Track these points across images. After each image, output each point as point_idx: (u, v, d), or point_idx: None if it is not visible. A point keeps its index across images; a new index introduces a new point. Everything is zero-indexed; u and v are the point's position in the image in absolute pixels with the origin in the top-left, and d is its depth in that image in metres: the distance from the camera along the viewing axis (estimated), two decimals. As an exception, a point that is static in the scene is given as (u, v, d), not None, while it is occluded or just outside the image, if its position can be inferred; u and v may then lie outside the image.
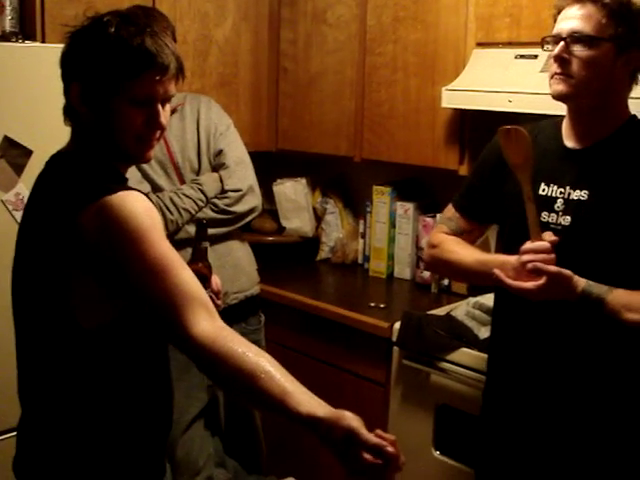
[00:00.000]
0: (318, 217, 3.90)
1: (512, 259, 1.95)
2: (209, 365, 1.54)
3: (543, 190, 2.04)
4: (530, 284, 1.87)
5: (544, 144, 2.10)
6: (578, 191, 1.98)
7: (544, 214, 2.02)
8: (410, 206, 3.50)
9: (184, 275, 1.58)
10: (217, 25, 3.55)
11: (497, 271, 1.94)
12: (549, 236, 1.93)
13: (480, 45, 2.97)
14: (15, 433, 1.78)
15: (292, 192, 3.85)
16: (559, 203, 2.01)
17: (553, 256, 1.88)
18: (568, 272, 1.87)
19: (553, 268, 1.86)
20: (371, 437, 1.38)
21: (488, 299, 2.79)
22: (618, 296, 1.87)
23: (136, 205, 1.58)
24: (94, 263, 1.57)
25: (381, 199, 3.57)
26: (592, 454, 1.97)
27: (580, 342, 1.98)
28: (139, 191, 1.66)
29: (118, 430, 1.70)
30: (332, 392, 3.14)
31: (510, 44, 2.89)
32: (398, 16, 3.25)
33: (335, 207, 3.87)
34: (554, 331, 2.01)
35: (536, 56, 2.77)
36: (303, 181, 3.87)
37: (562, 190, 2.01)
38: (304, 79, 3.68)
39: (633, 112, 2.06)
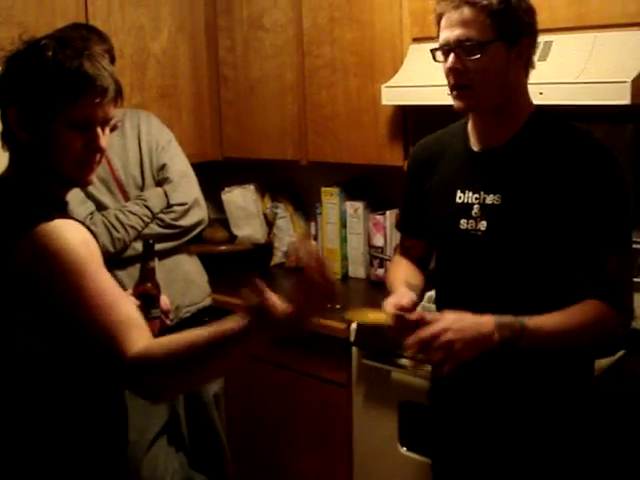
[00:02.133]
0: (269, 223, 3.89)
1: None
2: (156, 374, 1.53)
3: (459, 198, 2.03)
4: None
5: (454, 150, 2.10)
6: (492, 195, 1.97)
7: (462, 221, 2.01)
8: (360, 205, 3.50)
9: (123, 310, 1.56)
10: (153, 38, 3.53)
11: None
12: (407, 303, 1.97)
13: (416, 40, 2.98)
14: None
15: (241, 199, 3.84)
16: (476, 209, 1.99)
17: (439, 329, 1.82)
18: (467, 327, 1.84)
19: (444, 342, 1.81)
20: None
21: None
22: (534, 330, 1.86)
23: (72, 236, 1.56)
24: (28, 293, 1.55)
25: (330, 200, 3.57)
26: (526, 441, 2.01)
27: (524, 310, 1.96)
28: (76, 219, 1.64)
29: (73, 453, 1.67)
30: (294, 397, 3.17)
31: (446, 37, 2.90)
32: (333, 17, 3.26)
33: (285, 211, 3.87)
34: (499, 304, 1.99)
35: (471, 48, 2.79)
36: (251, 188, 3.86)
37: (477, 196, 2.00)
38: (245, 86, 3.67)
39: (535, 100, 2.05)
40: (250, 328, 1.49)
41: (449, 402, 2.16)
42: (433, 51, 1.97)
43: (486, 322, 1.83)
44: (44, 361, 1.61)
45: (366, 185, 3.63)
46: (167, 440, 3.00)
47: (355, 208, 3.51)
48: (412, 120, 3.10)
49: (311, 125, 3.43)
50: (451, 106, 2.87)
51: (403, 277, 2.21)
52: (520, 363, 1.97)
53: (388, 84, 2.96)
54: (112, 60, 2.89)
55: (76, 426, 1.67)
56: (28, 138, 1.64)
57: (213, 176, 3.84)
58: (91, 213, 2.82)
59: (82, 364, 1.66)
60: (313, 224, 3.77)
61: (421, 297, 2.18)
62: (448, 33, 1.90)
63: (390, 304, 1.98)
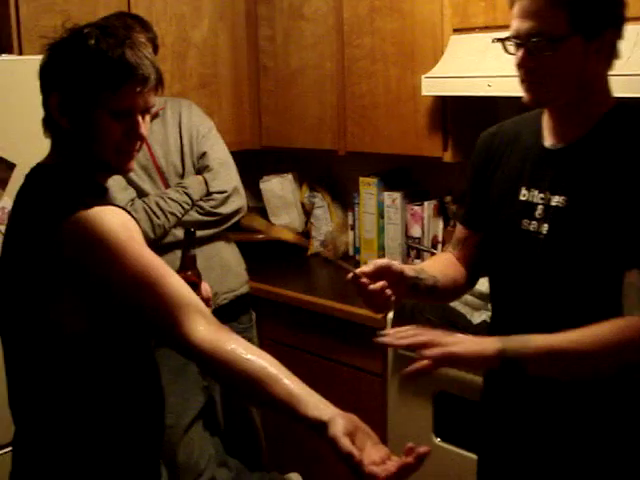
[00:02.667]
0: (307, 212, 3.91)
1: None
2: (213, 370, 1.56)
3: (524, 195, 1.87)
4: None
5: (526, 143, 1.93)
6: (557, 196, 1.80)
7: (524, 222, 1.85)
8: (397, 196, 3.49)
9: (173, 282, 1.58)
10: (194, 26, 3.55)
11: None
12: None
13: (457, 31, 2.97)
14: (10, 449, 1.78)
15: (279, 188, 3.85)
16: (539, 210, 1.82)
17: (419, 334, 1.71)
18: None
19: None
20: (345, 446, 1.34)
21: (480, 284, 2.78)
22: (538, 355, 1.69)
23: (112, 220, 1.57)
24: (73, 278, 1.57)
25: (368, 190, 3.57)
26: (594, 440, 1.88)
27: (582, 321, 1.82)
28: (117, 205, 1.65)
29: (109, 436, 1.69)
30: (330, 386, 3.17)
31: (487, 28, 2.89)
32: (374, 6, 3.25)
33: (323, 201, 3.88)
34: (554, 313, 1.87)
35: (513, 39, 2.77)
36: (290, 177, 3.87)
37: (543, 196, 1.83)
38: (284, 75, 3.67)
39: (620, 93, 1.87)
40: (317, 429, 1.40)
41: (506, 398, 2.03)
42: (503, 41, 1.79)
43: (488, 339, 1.73)
44: (85, 345, 1.63)
45: (404, 176, 3.62)
46: (203, 425, 3.04)
47: (393, 198, 3.51)
48: (451, 111, 3.09)
49: (350, 115, 3.43)
50: (491, 97, 2.88)
51: (428, 264, 2.13)
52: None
53: (428, 75, 2.95)
54: (155, 49, 2.92)
55: (114, 409, 1.69)
56: (68, 125, 1.65)
57: (252, 165, 3.86)
58: (132, 199, 2.85)
59: (121, 348, 1.68)
60: (351, 214, 3.78)
61: (432, 290, 1.99)
62: (519, 23, 1.73)
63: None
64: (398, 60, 3.20)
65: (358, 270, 1.83)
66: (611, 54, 1.76)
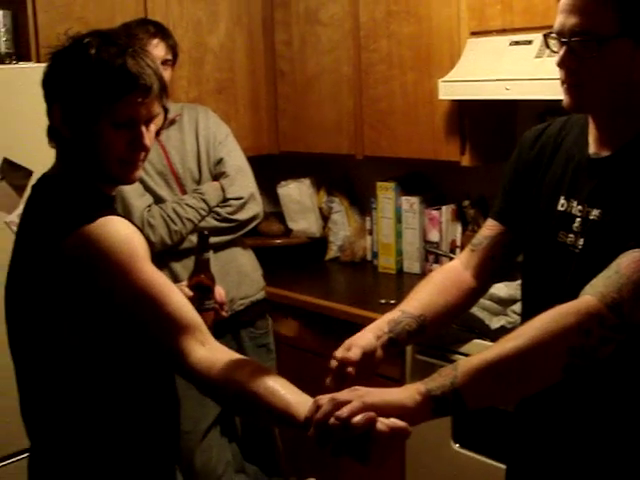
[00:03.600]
0: (324, 217, 3.90)
1: None
2: (210, 391, 1.55)
3: (562, 205, 1.74)
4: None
5: (569, 149, 1.79)
6: (595, 209, 1.66)
7: (561, 234, 1.72)
8: (415, 200, 3.48)
9: (173, 300, 1.57)
10: (211, 32, 3.55)
11: None
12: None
13: (474, 34, 2.96)
14: (25, 455, 1.78)
15: (297, 193, 3.85)
16: (577, 222, 1.69)
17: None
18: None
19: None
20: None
21: (499, 289, 2.78)
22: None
23: (115, 234, 1.56)
24: (81, 291, 1.57)
25: (386, 195, 3.56)
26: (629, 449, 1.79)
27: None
28: (120, 215, 1.64)
29: (125, 443, 1.69)
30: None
31: (504, 31, 2.87)
32: (390, 11, 3.24)
33: (341, 206, 3.87)
34: None
35: (530, 42, 2.76)
36: (307, 182, 3.87)
37: (581, 207, 1.69)
38: (301, 80, 3.67)
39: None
40: (301, 429, 1.41)
41: (538, 408, 1.93)
42: (546, 36, 1.67)
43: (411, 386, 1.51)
44: (100, 354, 1.63)
45: (421, 180, 3.61)
46: (220, 431, 3.03)
47: (411, 203, 3.49)
48: (469, 115, 3.07)
49: (367, 119, 3.42)
50: (509, 101, 2.86)
51: (415, 298, 1.89)
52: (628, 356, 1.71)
53: (445, 79, 2.94)
54: (175, 57, 2.92)
55: (129, 415, 1.69)
56: (71, 135, 1.63)
57: (269, 170, 3.86)
58: (149, 206, 2.86)
59: (137, 355, 1.68)
60: (368, 219, 3.77)
61: (413, 332, 1.81)
62: (564, 18, 1.60)
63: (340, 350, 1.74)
64: (415, 64, 3.19)
65: (341, 355, 1.70)
66: None
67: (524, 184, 1.87)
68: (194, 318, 1.58)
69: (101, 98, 1.58)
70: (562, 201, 1.75)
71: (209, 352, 1.53)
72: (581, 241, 1.68)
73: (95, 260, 1.54)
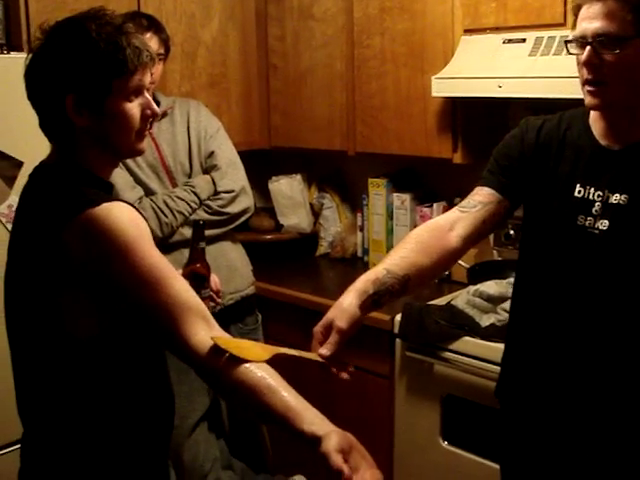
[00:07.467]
0: (315, 213, 3.89)
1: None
2: (210, 375, 1.55)
3: (579, 192, 1.90)
4: None
5: (576, 140, 1.95)
6: (617, 195, 1.83)
7: (580, 217, 1.88)
8: (406, 197, 3.48)
9: (177, 285, 1.57)
10: (203, 26, 3.54)
11: None
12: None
13: (467, 32, 2.96)
14: (19, 446, 1.77)
15: (288, 189, 3.84)
16: (597, 207, 1.86)
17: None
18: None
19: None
20: (335, 462, 1.32)
21: (489, 287, 2.78)
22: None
23: (121, 217, 1.57)
24: (82, 277, 1.56)
25: (377, 191, 3.55)
26: (619, 443, 1.86)
27: (605, 329, 1.85)
28: (123, 201, 1.64)
29: (119, 436, 1.69)
30: (337, 388, 3.16)
31: (497, 29, 2.88)
32: (384, 7, 3.24)
33: (332, 202, 3.87)
34: (577, 316, 1.88)
35: (524, 40, 2.76)
36: (298, 177, 3.86)
37: (600, 193, 1.86)
38: (294, 75, 3.66)
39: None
40: (311, 444, 1.39)
41: (525, 405, 2.02)
42: (567, 42, 1.83)
43: None
44: (95, 346, 1.62)
45: (413, 177, 3.61)
46: (208, 427, 3.03)
47: (402, 200, 3.49)
48: (461, 112, 3.08)
49: (359, 115, 3.41)
50: (501, 99, 2.86)
51: (400, 255, 1.92)
52: (614, 358, 1.84)
53: (438, 75, 2.94)
54: (167, 50, 2.92)
55: (123, 409, 1.68)
56: (87, 122, 1.63)
57: (260, 165, 3.85)
58: (140, 198, 2.84)
59: (129, 348, 1.68)
60: (359, 215, 3.76)
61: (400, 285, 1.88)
62: (586, 25, 1.77)
63: (316, 334, 1.86)
64: (408, 61, 3.19)
65: (324, 352, 1.80)
66: None
67: (533, 168, 1.98)
68: (198, 303, 1.59)
69: (114, 74, 1.61)
70: (579, 188, 1.90)
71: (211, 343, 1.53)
72: (602, 223, 1.84)
73: (100, 240, 1.53)
